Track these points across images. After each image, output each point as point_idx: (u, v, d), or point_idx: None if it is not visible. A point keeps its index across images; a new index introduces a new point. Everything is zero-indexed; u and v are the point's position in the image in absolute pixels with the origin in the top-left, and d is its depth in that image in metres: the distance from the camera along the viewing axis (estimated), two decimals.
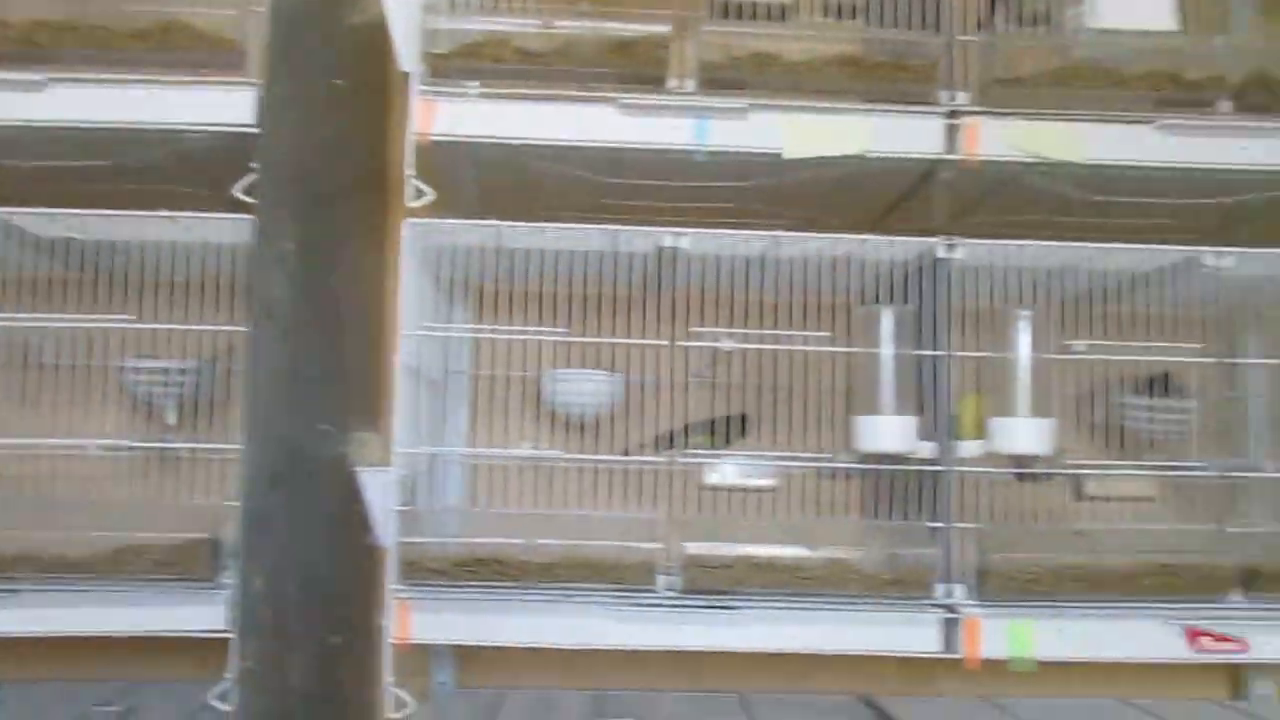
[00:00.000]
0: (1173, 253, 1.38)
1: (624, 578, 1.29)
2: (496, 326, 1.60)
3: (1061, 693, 1.66)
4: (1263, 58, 1.37)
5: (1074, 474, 1.49)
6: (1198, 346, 1.40)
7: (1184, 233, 1.52)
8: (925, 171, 1.41)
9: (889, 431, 1.31)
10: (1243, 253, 1.36)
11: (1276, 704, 1.67)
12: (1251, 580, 1.32)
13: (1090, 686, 1.68)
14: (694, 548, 1.29)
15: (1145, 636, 1.32)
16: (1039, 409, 1.32)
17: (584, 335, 1.48)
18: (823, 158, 1.35)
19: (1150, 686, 1.69)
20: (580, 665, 1.66)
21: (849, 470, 1.36)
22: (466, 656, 1.67)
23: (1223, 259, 1.36)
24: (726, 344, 1.39)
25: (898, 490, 1.35)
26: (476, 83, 1.34)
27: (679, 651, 1.30)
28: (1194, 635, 1.32)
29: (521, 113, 1.33)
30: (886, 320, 1.32)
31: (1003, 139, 1.35)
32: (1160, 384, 1.54)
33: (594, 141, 1.34)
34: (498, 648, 1.31)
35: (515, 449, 1.59)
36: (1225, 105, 1.38)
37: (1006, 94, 1.36)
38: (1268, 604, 1.31)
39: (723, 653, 1.32)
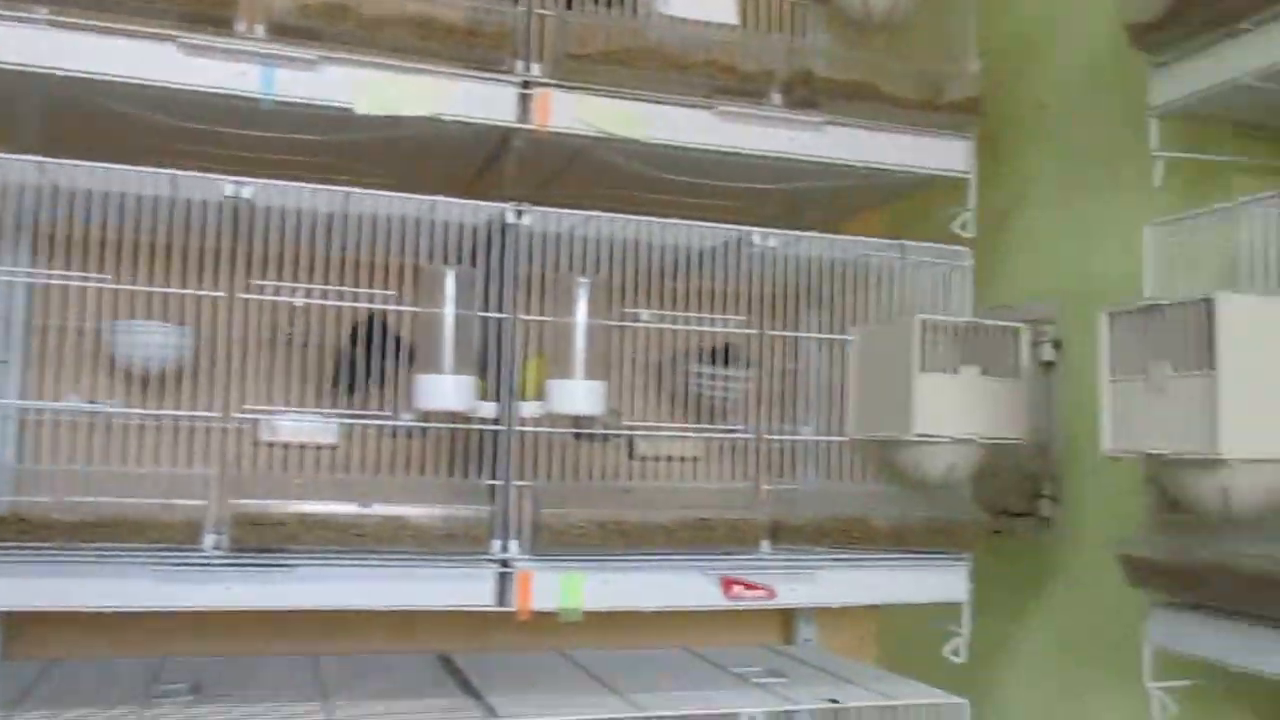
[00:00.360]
0: (725, 231, 1.49)
1: (168, 537, 1.24)
2: (34, 270, 1.49)
3: (635, 643, 1.76)
4: (808, 57, 1.49)
5: (626, 434, 1.58)
6: (743, 319, 1.51)
7: (757, 215, 1.64)
8: (502, 139, 1.44)
9: (448, 390, 1.33)
10: (784, 234, 1.49)
11: (817, 646, 1.85)
12: (777, 533, 1.45)
13: (662, 636, 1.79)
14: (244, 505, 1.26)
15: (686, 586, 1.42)
16: (595, 373, 1.38)
17: (136, 284, 1.40)
18: (395, 116, 1.35)
19: (714, 634, 1.82)
20: (149, 632, 1.59)
21: (410, 429, 1.38)
22: (13, 626, 1.56)
23: (768, 239, 1.49)
24: (296, 300, 1.37)
25: (459, 449, 1.37)
26: (38, 8, 1.24)
27: (255, 615, 1.27)
28: (728, 584, 1.43)
29: (68, 43, 1.25)
30: (449, 281, 1.34)
31: (573, 112, 1.41)
32: (722, 354, 1.66)
33: (152, 80, 1.28)
34: (50, 617, 1.22)
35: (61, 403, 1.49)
36: (776, 98, 1.50)
37: (579, 69, 1.41)
38: (789, 554, 1.45)
39: (300, 616, 1.30)
